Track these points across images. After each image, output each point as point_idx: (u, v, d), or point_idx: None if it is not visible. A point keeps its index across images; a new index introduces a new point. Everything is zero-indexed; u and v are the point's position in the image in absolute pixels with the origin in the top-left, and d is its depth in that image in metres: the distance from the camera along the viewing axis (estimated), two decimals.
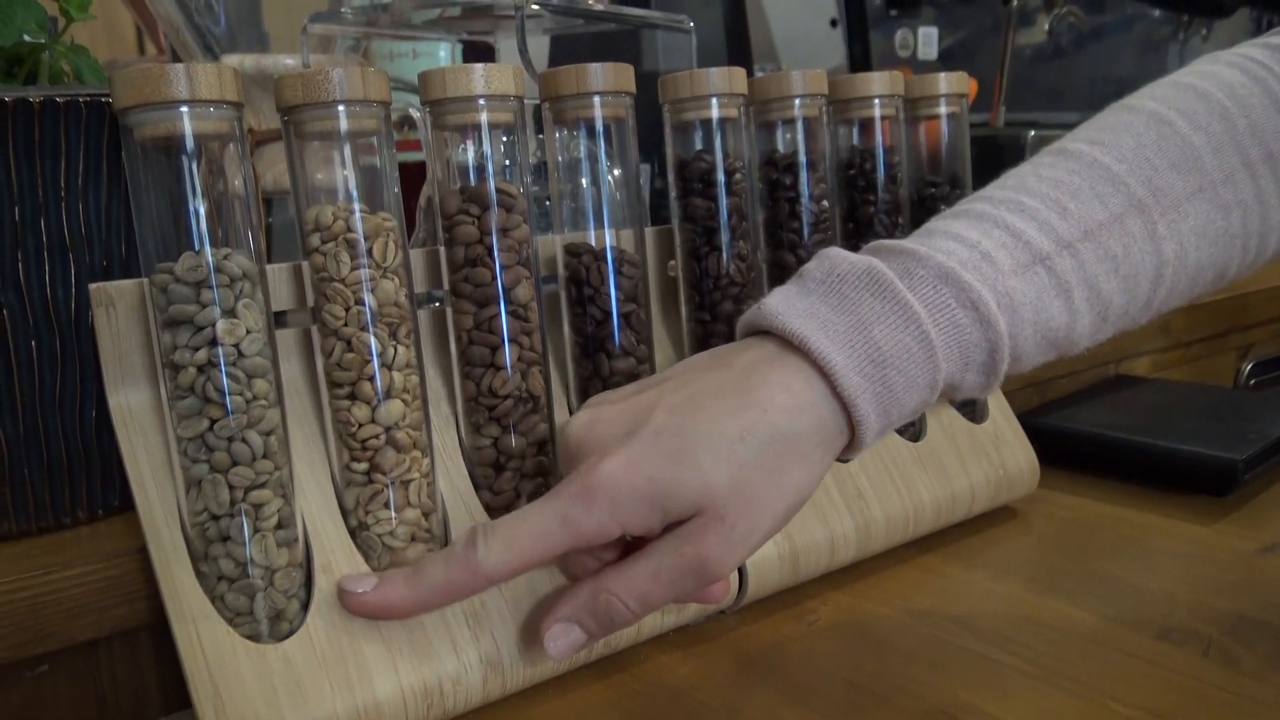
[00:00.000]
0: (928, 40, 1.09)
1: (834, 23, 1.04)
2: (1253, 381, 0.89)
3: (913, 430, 0.54)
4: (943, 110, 0.54)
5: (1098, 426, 0.64)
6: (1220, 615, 0.44)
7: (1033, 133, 0.95)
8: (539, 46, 0.85)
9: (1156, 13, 1.23)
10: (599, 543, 0.35)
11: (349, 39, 0.68)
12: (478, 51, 0.80)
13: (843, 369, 0.35)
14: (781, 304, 0.36)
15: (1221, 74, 0.41)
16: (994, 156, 0.97)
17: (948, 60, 1.12)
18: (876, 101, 0.51)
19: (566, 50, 0.91)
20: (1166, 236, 0.39)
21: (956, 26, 1.12)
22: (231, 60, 0.61)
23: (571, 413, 0.45)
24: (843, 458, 0.39)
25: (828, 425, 0.35)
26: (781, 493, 0.35)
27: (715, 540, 0.34)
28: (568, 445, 0.36)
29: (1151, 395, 0.71)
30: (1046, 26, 1.15)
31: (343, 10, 0.59)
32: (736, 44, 0.91)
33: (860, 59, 1.03)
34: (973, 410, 0.56)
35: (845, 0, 1.05)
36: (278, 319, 0.39)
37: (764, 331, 0.37)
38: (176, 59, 0.70)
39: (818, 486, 0.37)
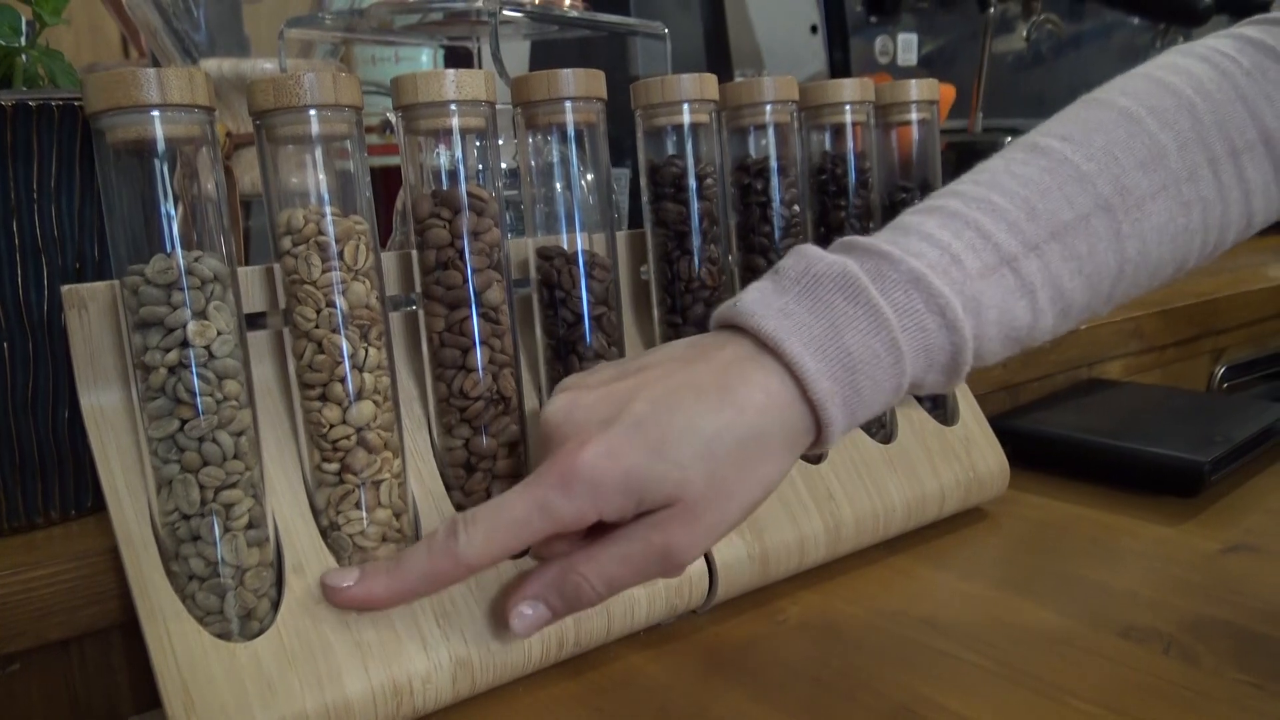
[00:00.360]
0: (907, 46, 1.10)
1: (814, 29, 1.05)
2: (1225, 385, 0.90)
3: (884, 432, 0.54)
4: (914, 116, 0.55)
5: (1068, 429, 0.65)
6: (1182, 614, 0.45)
7: (1009, 139, 0.96)
8: (519, 52, 0.85)
9: (1135, 20, 1.25)
10: (575, 529, 0.36)
11: (328, 44, 0.68)
12: (459, 56, 0.80)
13: (815, 375, 0.36)
14: (758, 303, 0.37)
15: (1191, 68, 0.42)
16: (972, 162, 0.98)
17: (927, 66, 1.13)
18: (847, 108, 0.52)
19: (548, 55, 0.91)
20: (1130, 235, 0.40)
21: (936, 33, 1.13)
22: (210, 64, 0.61)
23: None
24: (807, 454, 0.39)
25: (797, 425, 0.36)
26: (750, 487, 0.36)
27: (684, 531, 0.35)
28: (545, 427, 0.37)
29: (1123, 398, 0.72)
30: (1025, 34, 1.16)
31: (321, 15, 0.60)
32: (715, 49, 0.92)
33: (840, 65, 1.04)
34: (944, 413, 0.57)
35: (825, 6, 1.05)
36: (250, 321, 0.39)
37: (739, 327, 0.37)
38: (158, 64, 0.70)
39: (782, 480, 0.38)
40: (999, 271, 0.38)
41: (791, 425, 0.36)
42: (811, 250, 0.38)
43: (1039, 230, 0.39)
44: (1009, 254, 0.38)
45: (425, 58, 0.91)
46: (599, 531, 0.37)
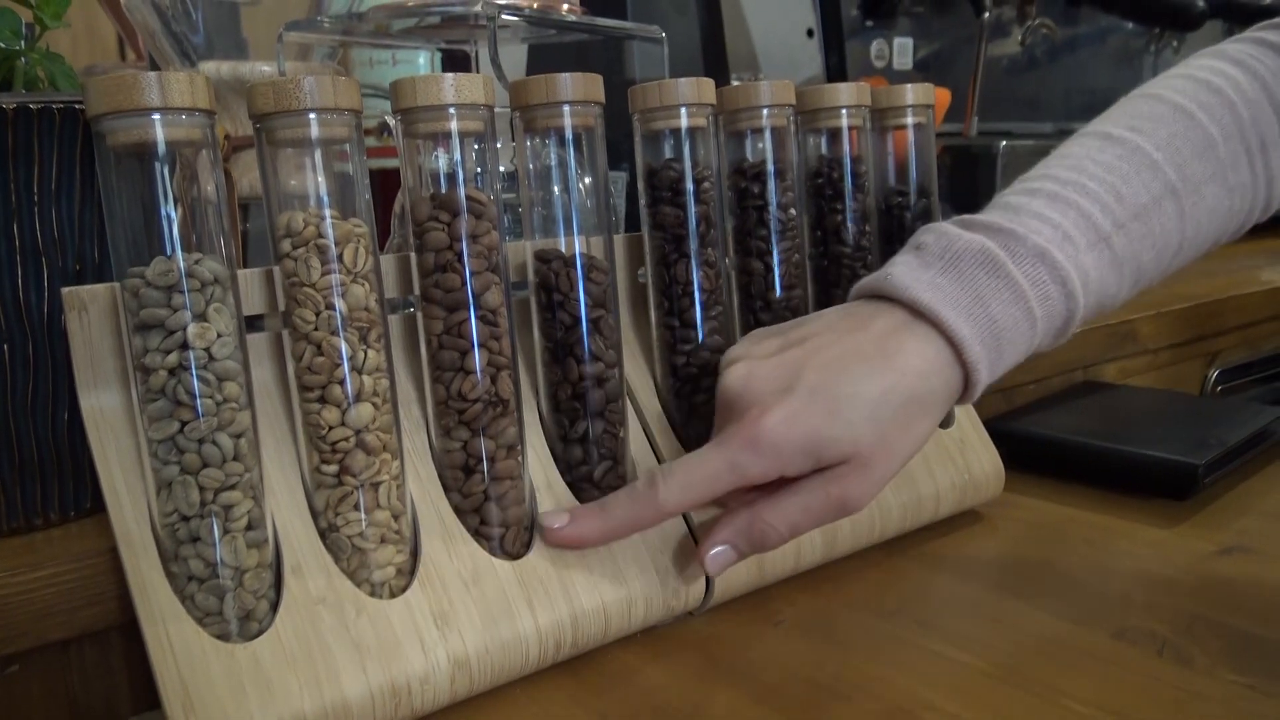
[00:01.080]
0: (903, 51, 1.11)
1: (810, 33, 1.05)
2: (1219, 388, 0.90)
3: None
4: (909, 121, 0.56)
5: (1063, 432, 0.65)
6: (1176, 615, 0.45)
7: (1004, 143, 0.97)
8: (517, 55, 0.86)
9: (1129, 25, 1.25)
10: (759, 484, 0.41)
11: (326, 47, 0.68)
12: (457, 60, 0.81)
13: (969, 341, 0.41)
14: (908, 276, 0.42)
15: (1226, 70, 0.48)
16: (967, 166, 0.99)
17: (923, 70, 1.14)
18: (844, 112, 0.52)
19: (546, 59, 0.91)
20: (1189, 216, 0.46)
21: (932, 37, 1.14)
22: (208, 67, 0.61)
23: (541, 419, 0.46)
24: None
25: (949, 386, 0.42)
26: (910, 441, 0.41)
27: (857, 483, 0.40)
28: (726, 395, 0.42)
29: (1117, 401, 0.73)
30: (1020, 38, 1.17)
31: (320, 19, 0.60)
32: (712, 53, 0.92)
33: (836, 69, 1.05)
34: None
35: (822, 11, 1.06)
36: (250, 323, 0.39)
37: (886, 298, 0.42)
38: (155, 66, 0.70)
39: (924, 442, 0.43)
40: (1098, 248, 0.43)
41: (945, 386, 0.42)
42: (948, 228, 0.43)
43: (1124, 211, 0.44)
44: (1104, 232, 0.44)
45: (423, 60, 0.92)
46: (778, 483, 0.41)
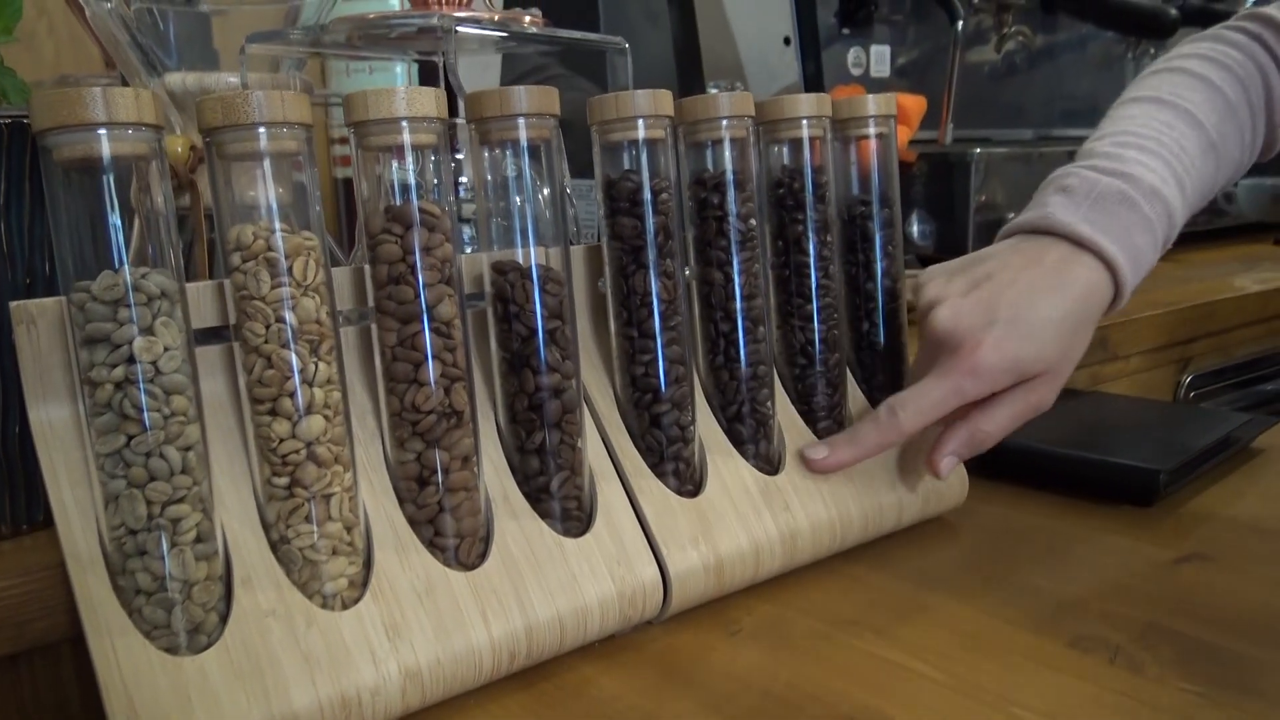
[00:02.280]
0: (880, 58, 1.11)
1: (787, 40, 1.06)
2: (1193, 394, 0.90)
3: None
4: (872, 131, 0.56)
5: (1029, 439, 0.65)
6: (1130, 623, 0.45)
7: (979, 150, 0.97)
8: (492, 64, 0.86)
9: (1107, 33, 1.26)
10: (972, 402, 0.51)
11: (294, 58, 0.68)
12: (429, 70, 0.81)
13: (1124, 265, 0.51)
14: (1067, 214, 0.52)
15: (1229, 52, 0.60)
16: (943, 173, 0.99)
17: (901, 77, 1.14)
18: (804, 123, 0.53)
19: (521, 67, 0.92)
20: (1220, 166, 0.58)
21: (909, 45, 1.14)
22: (173, 78, 0.61)
23: (499, 430, 0.46)
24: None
25: (1105, 301, 0.53)
26: (1081, 349, 0.53)
27: (1049, 388, 0.52)
28: (939, 333, 0.51)
29: (1087, 408, 0.73)
30: (995, 44, 1.17)
31: (286, 31, 0.60)
32: (686, 62, 0.93)
33: (813, 77, 1.05)
34: None
35: (798, 18, 1.06)
36: (202, 336, 0.40)
37: (1049, 233, 0.52)
38: (124, 77, 0.70)
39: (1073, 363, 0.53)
40: (1177, 187, 0.54)
41: (1102, 302, 0.52)
42: (1086, 172, 0.54)
43: (1188, 161, 0.55)
44: (1180, 177, 0.55)
45: (399, 70, 0.92)
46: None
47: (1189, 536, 0.55)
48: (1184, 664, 0.41)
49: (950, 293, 0.52)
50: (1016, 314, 0.49)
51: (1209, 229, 1.26)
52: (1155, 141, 0.55)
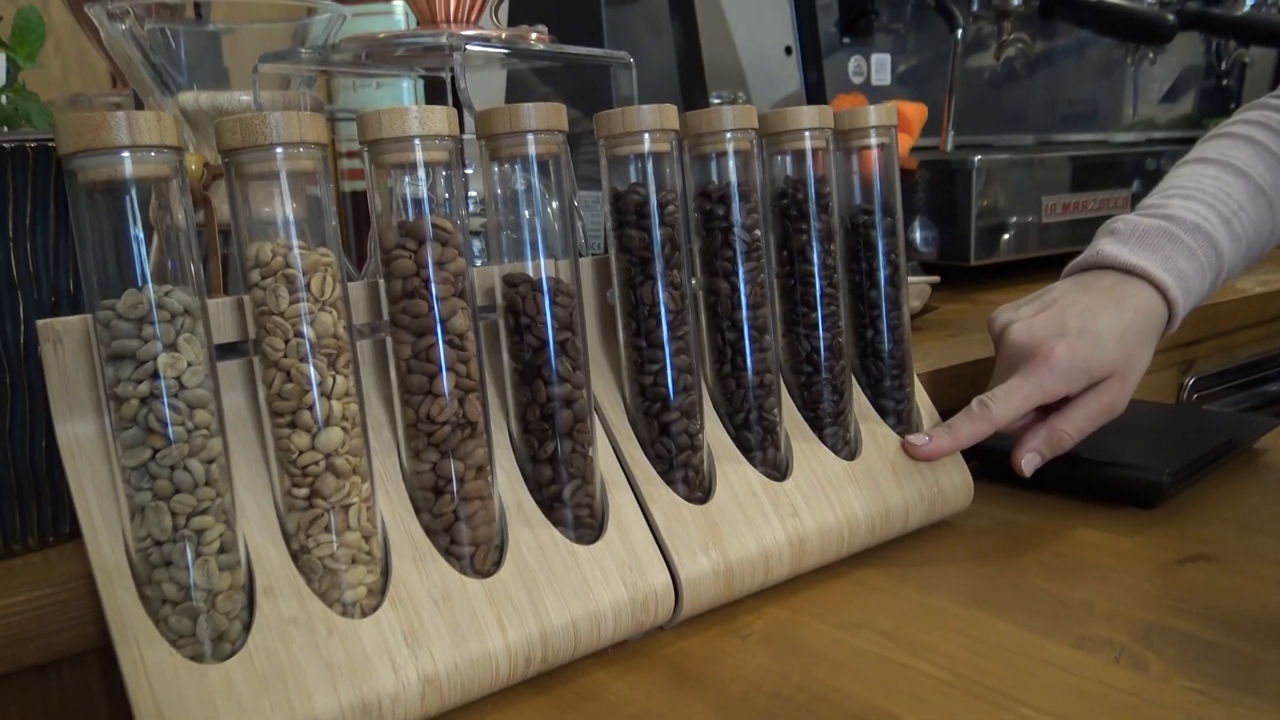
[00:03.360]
0: (881, 66, 1.12)
1: (789, 50, 1.07)
2: (1195, 396, 0.91)
3: (848, 449, 0.56)
4: (873, 141, 0.57)
5: None
6: (1134, 623, 0.46)
7: (979, 157, 0.98)
8: (496, 80, 0.87)
9: (1106, 38, 1.27)
10: (1051, 401, 0.58)
11: (304, 75, 0.69)
12: (436, 86, 0.82)
13: (1170, 285, 0.59)
14: (1115, 250, 0.61)
15: (1273, 115, 0.67)
16: (944, 180, 1.00)
17: (902, 85, 1.15)
18: (807, 134, 0.54)
19: (525, 83, 0.93)
20: (1275, 207, 0.65)
21: (909, 53, 1.15)
22: (187, 97, 0.63)
23: (512, 440, 0.47)
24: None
25: (1161, 319, 0.60)
26: (1144, 360, 0.59)
27: (1118, 390, 0.58)
28: (1016, 344, 0.58)
29: None
30: (995, 51, 1.18)
31: (297, 50, 0.61)
32: (689, 73, 0.94)
33: (815, 86, 1.06)
34: (908, 429, 0.58)
35: (800, 28, 1.07)
36: (221, 350, 0.41)
37: (1100, 268, 0.61)
38: (137, 95, 0.71)
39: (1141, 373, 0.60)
40: (1224, 226, 0.62)
41: (1159, 320, 0.60)
42: (1131, 217, 0.63)
43: (1233, 204, 0.63)
44: (1226, 217, 0.62)
45: (406, 85, 0.93)
46: (1060, 404, 0.59)
47: (1192, 538, 0.55)
48: (1188, 663, 0.42)
49: (1021, 315, 0.60)
50: (1083, 325, 0.57)
51: None
52: (1199, 190, 0.63)
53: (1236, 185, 0.64)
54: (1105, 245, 0.62)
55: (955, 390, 0.70)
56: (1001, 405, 0.56)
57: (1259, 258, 0.67)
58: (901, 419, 0.59)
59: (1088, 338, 0.57)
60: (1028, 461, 0.58)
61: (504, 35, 0.55)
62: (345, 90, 0.96)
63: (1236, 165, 0.64)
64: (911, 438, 0.56)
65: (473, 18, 0.57)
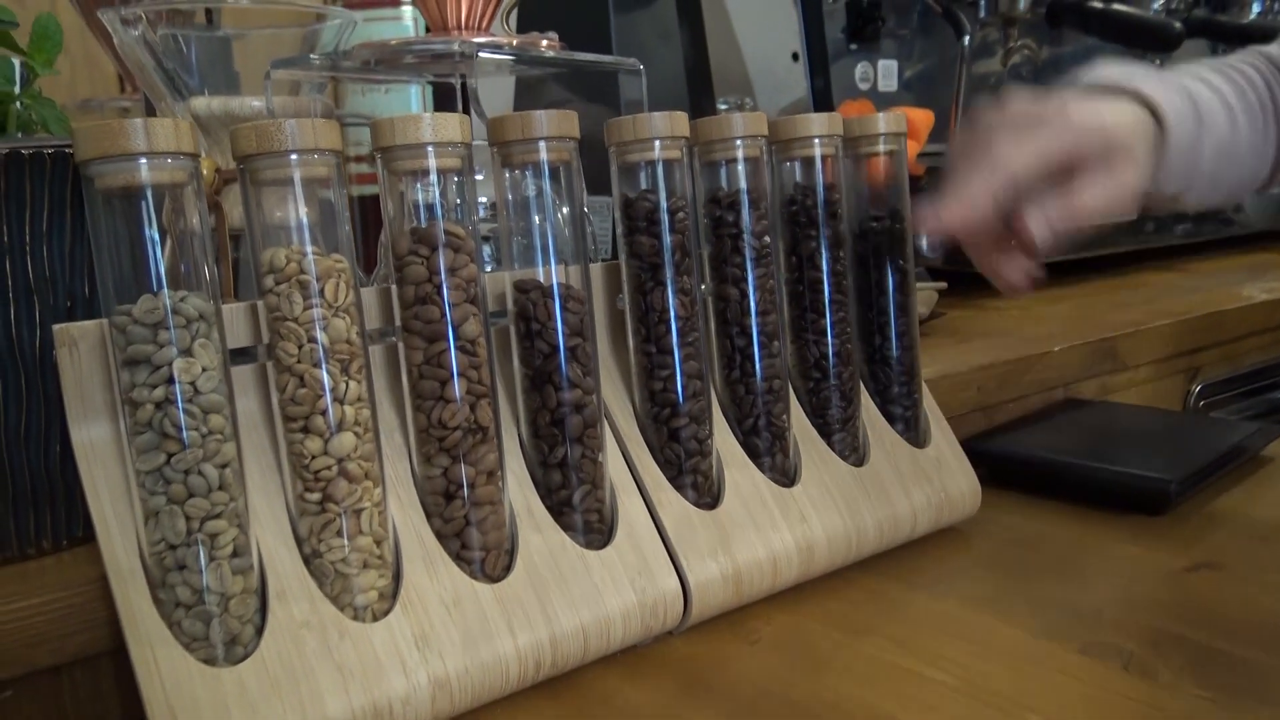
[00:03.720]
0: (888, 73, 1.12)
1: (795, 56, 1.07)
2: (1202, 403, 0.91)
3: (855, 455, 0.56)
4: (882, 148, 0.57)
5: (1041, 449, 0.66)
6: (1143, 630, 0.46)
7: None
8: (505, 86, 0.87)
9: (1112, 45, 1.27)
10: (1065, 160, 0.50)
11: (315, 81, 0.70)
12: (445, 91, 0.82)
13: (1157, 96, 0.52)
14: (1091, 78, 0.54)
15: (1231, 61, 0.59)
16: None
17: (908, 91, 1.15)
18: (816, 141, 0.54)
19: (533, 88, 0.93)
20: (1234, 121, 0.56)
21: (916, 59, 1.16)
22: (199, 103, 0.63)
23: (522, 445, 0.47)
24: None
25: (1151, 129, 0.52)
26: (1145, 162, 0.51)
27: (1132, 173, 0.50)
28: (1018, 110, 0.51)
29: (1096, 418, 0.74)
30: (1001, 58, 1.18)
31: (308, 56, 0.61)
32: (697, 79, 0.94)
33: (821, 92, 1.06)
34: (915, 435, 0.59)
35: (806, 34, 1.08)
36: (235, 355, 0.41)
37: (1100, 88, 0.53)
38: (148, 100, 0.72)
39: (1145, 179, 0.52)
40: (1188, 86, 0.55)
41: (1147, 127, 0.52)
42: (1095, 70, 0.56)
43: (1194, 84, 0.56)
44: (1188, 85, 0.55)
45: (414, 91, 0.93)
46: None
47: (1199, 545, 0.56)
48: (1196, 671, 0.42)
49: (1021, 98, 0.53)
50: (1085, 101, 0.52)
51: (1216, 238, 1.27)
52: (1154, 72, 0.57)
53: (1197, 81, 0.57)
54: (1078, 83, 0.55)
55: (964, 396, 0.70)
56: (1013, 153, 0.49)
57: (1220, 182, 0.58)
58: (909, 425, 0.59)
59: (1092, 104, 0.51)
60: (1036, 223, 0.50)
61: (515, 42, 0.55)
62: (354, 95, 0.97)
63: (1192, 71, 0.57)
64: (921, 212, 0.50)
65: (484, 24, 0.58)
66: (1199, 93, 0.55)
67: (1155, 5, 1.28)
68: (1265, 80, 0.59)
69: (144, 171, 0.36)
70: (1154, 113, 0.53)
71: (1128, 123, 0.51)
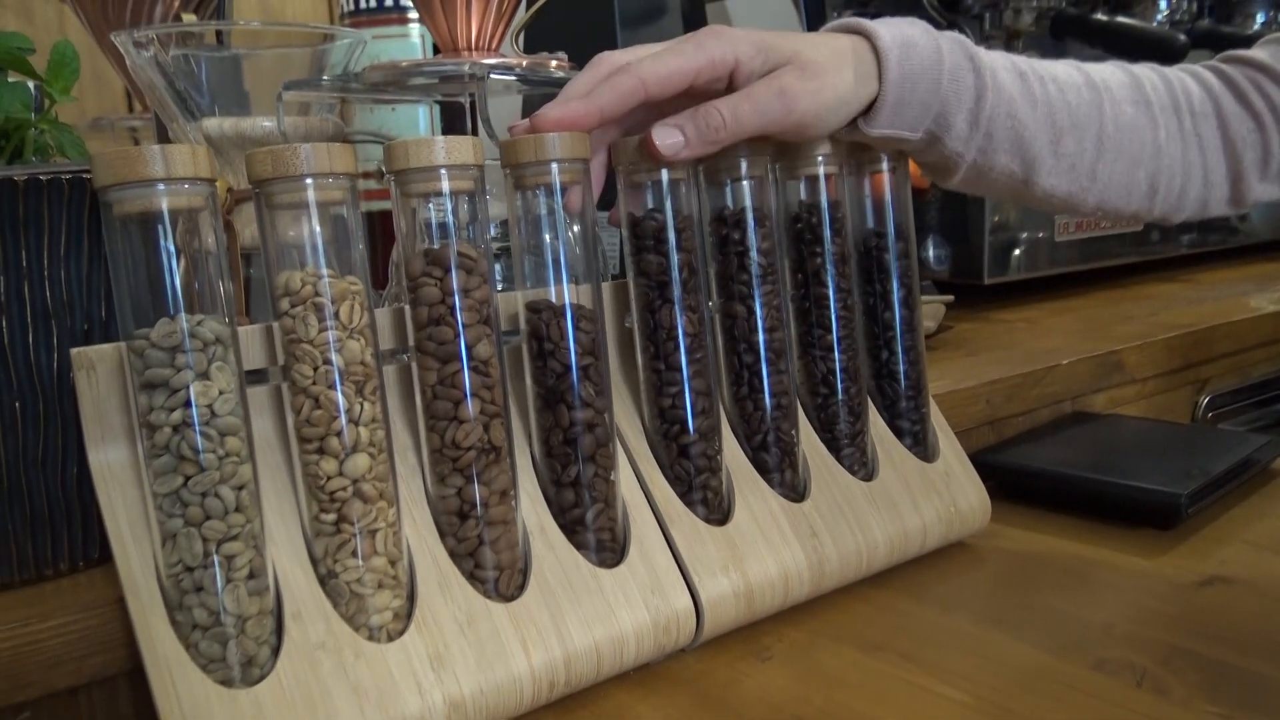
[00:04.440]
0: None
1: None
2: (1210, 415, 0.91)
3: (865, 470, 0.56)
4: (885, 166, 0.57)
5: (1050, 463, 0.66)
6: (1155, 646, 0.46)
7: None
8: (512, 105, 0.88)
9: (1115, 58, 1.27)
10: (717, 73, 0.47)
11: (325, 101, 0.70)
12: (453, 111, 0.83)
13: (882, 36, 0.49)
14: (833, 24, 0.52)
15: (1164, 70, 0.58)
16: (957, 198, 1.00)
17: None
18: (820, 159, 0.54)
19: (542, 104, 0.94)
20: (1108, 114, 0.54)
21: None
22: (211, 123, 0.63)
23: (535, 464, 0.47)
24: (869, 125, 0.51)
25: (868, 64, 0.50)
26: (837, 78, 0.49)
27: (794, 79, 0.47)
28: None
29: (1105, 431, 0.74)
30: None
31: (319, 79, 0.62)
32: None
33: None
34: (924, 450, 0.59)
35: None
36: (251, 377, 0.41)
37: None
38: (159, 120, 0.73)
39: (851, 103, 0.50)
40: (1013, 74, 0.53)
41: (864, 58, 0.50)
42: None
43: (1042, 70, 0.54)
44: (1021, 69, 0.53)
45: (422, 110, 0.94)
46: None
47: (1210, 559, 0.56)
48: (1210, 687, 0.42)
49: None
50: (773, 33, 0.49)
51: (1222, 248, 1.27)
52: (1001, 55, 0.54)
53: (1059, 67, 0.54)
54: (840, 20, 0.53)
55: (972, 410, 0.71)
56: (648, 62, 0.45)
57: (1091, 168, 0.54)
58: (918, 440, 0.59)
59: (775, 35, 0.48)
60: (660, 134, 0.46)
61: (525, 63, 0.56)
62: (362, 112, 0.98)
63: (1070, 61, 0.56)
64: (540, 113, 0.46)
65: (494, 45, 0.58)
66: (986, 56, 0.52)
67: (1159, 17, 1.29)
68: (1184, 84, 0.56)
69: (161, 197, 0.36)
70: (872, 44, 0.50)
71: (829, 47, 0.49)
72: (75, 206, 0.41)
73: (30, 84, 0.47)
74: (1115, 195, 0.56)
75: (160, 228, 0.37)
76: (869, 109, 0.51)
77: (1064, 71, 0.54)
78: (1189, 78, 0.57)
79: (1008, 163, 0.53)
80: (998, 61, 0.52)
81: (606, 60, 0.47)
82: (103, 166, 0.36)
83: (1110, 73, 0.55)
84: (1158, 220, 0.58)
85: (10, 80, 0.42)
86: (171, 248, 0.37)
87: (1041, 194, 0.54)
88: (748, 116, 0.47)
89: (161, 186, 0.36)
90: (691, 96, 0.47)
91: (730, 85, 0.48)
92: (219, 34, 0.70)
